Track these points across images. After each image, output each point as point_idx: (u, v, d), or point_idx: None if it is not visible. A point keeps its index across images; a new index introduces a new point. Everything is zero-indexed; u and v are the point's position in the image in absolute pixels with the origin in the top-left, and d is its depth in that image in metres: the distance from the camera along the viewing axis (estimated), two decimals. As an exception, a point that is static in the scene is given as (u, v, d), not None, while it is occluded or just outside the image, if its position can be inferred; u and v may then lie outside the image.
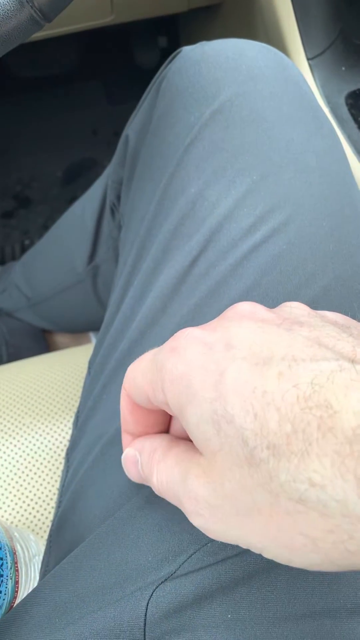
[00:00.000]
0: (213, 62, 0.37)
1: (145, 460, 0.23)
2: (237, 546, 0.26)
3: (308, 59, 0.55)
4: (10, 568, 0.30)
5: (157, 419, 0.25)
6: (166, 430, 0.26)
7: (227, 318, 0.21)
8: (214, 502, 0.18)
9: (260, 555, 0.26)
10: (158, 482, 0.22)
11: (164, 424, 0.26)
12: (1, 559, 0.29)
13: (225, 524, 0.18)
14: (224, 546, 0.26)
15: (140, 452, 0.24)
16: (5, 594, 0.29)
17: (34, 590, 0.30)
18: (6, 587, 0.29)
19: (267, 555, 0.18)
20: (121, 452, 0.32)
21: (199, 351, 0.19)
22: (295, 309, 0.22)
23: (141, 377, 0.22)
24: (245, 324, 0.20)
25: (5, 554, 0.30)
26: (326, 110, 0.54)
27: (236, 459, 0.17)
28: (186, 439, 0.24)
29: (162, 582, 0.26)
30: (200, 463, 0.19)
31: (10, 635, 0.28)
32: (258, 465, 0.16)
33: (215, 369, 0.18)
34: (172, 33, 1.09)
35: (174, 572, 0.26)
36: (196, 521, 0.20)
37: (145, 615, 0.25)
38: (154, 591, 0.26)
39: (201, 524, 0.19)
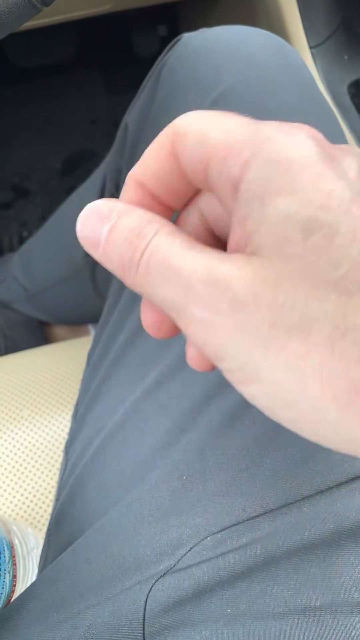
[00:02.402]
0: (214, 49, 0.37)
1: (129, 224, 0.16)
2: (236, 540, 0.26)
3: (310, 47, 0.55)
4: (8, 562, 0.30)
5: (182, 191, 0.18)
6: (174, 212, 0.20)
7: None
8: (249, 301, 0.14)
9: (260, 549, 0.26)
10: (149, 256, 0.16)
11: (180, 204, 0.19)
12: (-1, 552, 0.29)
13: (238, 331, 0.14)
14: (224, 540, 0.26)
15: (121, 214, 0.17)
16: (2, 588, 0.29)
17: (32, 584, 0.29)
18: (4, 581, 0.29)
19: (261, 390, 0.15)
20: (122, 445, 0.32)
21: (320, 152, 0.15)
22: None
23: (219, 134, 0.16)
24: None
25: (3, 547, 0.30)
26: (328, 99, 0.53)
27: (313, 276, 0.14)
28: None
29: (161, 576, 0.26)
30: (250, 260, 0.15)
31: (8, 630, 0.27)
32: (339, 294, 0.13)
33: (334, 180, 0.14)
34: (172, 21, 1.08)
35: (173, 566, 0.26)
36: (199, 313, 0.15)
37: (145, 609, 0.25)
38: (153, 585, 0.26)
39: (202, 318, 0.15)
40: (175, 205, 0.19)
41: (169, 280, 0.15)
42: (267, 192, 0.15)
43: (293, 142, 0.15)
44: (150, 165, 0.18)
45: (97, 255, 0.17)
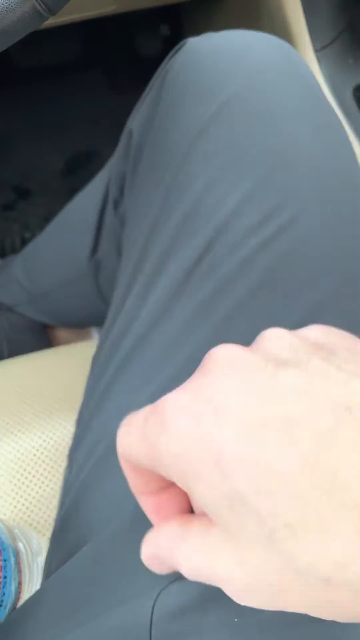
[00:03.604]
0: (219, 54, 0.36)
1: (165, 555, 0.21)
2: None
3: (315, 51, 0.54)
4: (14, 569, 0.30)
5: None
6: None
7: (206, 372, 0.19)
8: (249, 584, 0.17)
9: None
10: (188, 573, 0.20)
11: None
12: (4, 560, 0.29)
13: (269, 599, 0.17)
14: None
15: (157, 550, 0.21)
16: (8, 596, 0.29)
17: (38, 592, 0.29)
18: (10, 589, 0.29)
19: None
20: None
21: (188, 425, 0.18)
22: (275, 341, 0.20)
23: (135, 451, 0.20)
24: (227, 380, 0.18)
25: (9, 555, 0.30)
26: (333, 103, 0.53)
27: (258, 538, 0.16)
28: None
29: (168, 584, 0.26)
30: (224, 539, 0.18)
31: (15, 638, 0.27)
32: (279, 545, 0.16)
33: (211, 445, 0.17)
34: (175, 21, 1.08)
35: (180, 574, 0.26)
36: (241, 602, 0.18)
37: (152, 617, 0.25)
38: (160, 592, 0.26)
39: (247, 603, 0.18)
40: None
41: (210, 582, 0.19)
42: (189, 487, 0.18)
43: (168, 436, 0.18)
44: (137, 483, 0.22)
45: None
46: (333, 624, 0.24)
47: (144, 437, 0.19)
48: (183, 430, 0.18)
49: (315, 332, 0.20)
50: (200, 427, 0.17)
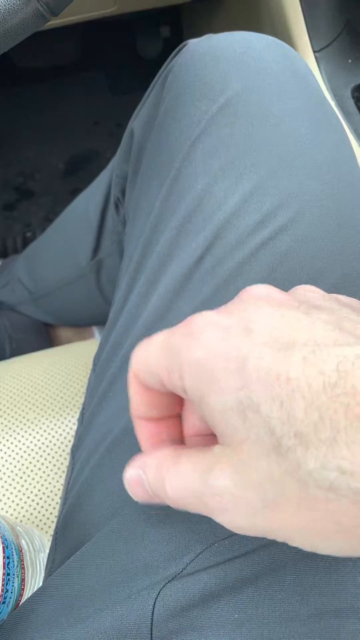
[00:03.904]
0: (220, 55, 0.37)
1: (152, 475, 0.22)
2: (243, 545, 0.26)
3: (314, 51, 0.55)
4: (17, 566, 0.30)
5: (172, 400, 0.24)
6: (179, 414, 0.25)
7: (242, 301, 0.20)
8: (239, 494, 0.18)
9: (267, 555, 0.26)
10: (173, 491, 0.21)
11: (180, 404, 0.24)
12: (7, 557, 0.29)
13: (252, 517, 0.18)
14: (231, 546, 0.26)
15: (144, 469, 0.22)
16: (12, 592, 0.29)
17: (40, 588, 0.30)
18: (13, 586, 0.29)
19: (293, 543, 0.18)
20: (128, 450, 0.32)
21: (217, 336, 0.19)
22: (310, 292, 0.21)
23: (154, 361, 0.21)
24: (262, 308, 0.19)
25: (12, 552, 0.30)
26: (332, 103, 0.53)
27: (263, 448, 0.17)
28: (197, 436, 0.24)
29: (169, 581, 0.26)
30: (223, 455, 0.18)
31: (17, 634, 0.28)
32: (285, 453, 0.16)
33: (237, 355, 0.18)
34: (175, 22, 1.08)
35: (181, 571, 0.26)
36: (222, 518, 0.19)
37: (152, 614, 0.26)
38: (161, 590, 0.26)
39: (227, 520, 0.19)
40: (178, 409, 0.24)
41: (193, 503, 0.20)
42: (203, 394, 0.19)
43: (196, 343, 0.19)
44: (139, 403, 0.23)
45: (159, 503, 0.22)
46: (331, 618, 0.24)
47: (167, 346, 0.20)
48: (211, 340, 0.19)
49: (346, 297, 0.22)
50: (228, 340, 0.18)
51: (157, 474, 0.21)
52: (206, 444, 0.21)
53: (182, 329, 0.20)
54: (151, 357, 0.21)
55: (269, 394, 0.17)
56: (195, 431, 0.24)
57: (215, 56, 0.37)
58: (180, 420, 0.25)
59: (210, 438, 0.23)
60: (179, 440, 0.24)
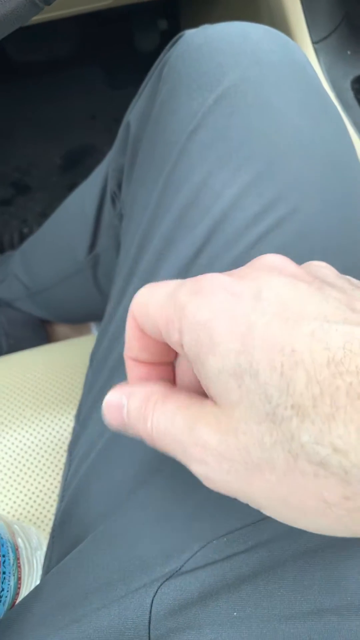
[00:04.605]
0: (216, 46, 0.36)
1: (135, 405, 0.21)
2: (242, 543, 0.26)
3: (313, 43, 0.54)
4: (13, 564, 0.30)
5: (168, 349, 0.23)
6: (172, 361, 0.24)
7: (254, 268, 0.20)
8: (224, 452, 0.18)
9: (266, 552, 0.25)
10: (154, 429, 0.20)
11: (173, 355, 0.24)
12: (3, 555, 0.29)
13: (230, 475, 0.18)
14: (229, 543, 0.26)
15: (128, 396, 0.22)
16: (7, 591, 0.29)
17: (37, 587, 0.29)
18: (9, 584, 0.29)
19: (268, 512, 0.18)
20: (125, 447, 0.32)
21: (226, 299, 0.18)
22: (323, 268, 0.21)
23: (156, 309, 0.20)
24: (275, 277, 0.19)
25: (8, 550, 0.30)
26: (332, 95, 0.53)
27: (256, 414, 0.17)
28: (189, 389, 0.23)
29: (167, 579, 0.26)
30: (213, 412, 0.18)
31: (13, 633, 0.27)
32: (280, 423, 0.16)
33: (243, 320, 0.18)
34: (172, 16, 1.07)
35: (179, 569, 0.26)
36: (198, 469, 0.19)
37: (150, 612, 0.25)
38: (158, 588, 0.26)
39: (203, 472, 0.19)
40: (172, 357, 0.24)
41: (173, 447, 0.20)
42: (200, 353, 0.18)
43: (203, 302, 0.19)
44: (133, 344, 0.23)
45: (130, 434, 0.22)
46: (330, 616, 0.24)
47: (172, 298, 0.20)
48: (219, 303, 0.18)
49: (356, 280, 0.22)
50: (236, 305, 0.18)
51: (142, 406, 0.21)
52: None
53: (191, 285, 0.20)
54: (153, 304, 0.20)
55: (270, 363, 0.16)
56: (186, 385, 0.23)
57: (212, 47, 0.36)
58: (174, 368, 0.24)
59: (202, 394, 0.23)
60: (171, 383, 0.23)
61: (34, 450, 0.44)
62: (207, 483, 0.19)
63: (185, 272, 0.33)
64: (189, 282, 0.20)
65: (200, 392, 0.22)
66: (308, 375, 0.16)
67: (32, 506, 0.42)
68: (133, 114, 0.43)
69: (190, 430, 0.19)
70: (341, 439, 0.15)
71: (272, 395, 0.16)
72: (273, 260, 0.20)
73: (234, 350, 0.17)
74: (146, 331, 0.22)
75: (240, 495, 0.18)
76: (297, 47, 0.38)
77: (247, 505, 0.27)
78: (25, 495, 0.42)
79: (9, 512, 0.42)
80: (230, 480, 0.18)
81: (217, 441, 0.18)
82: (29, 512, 0.42)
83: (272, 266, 0.20)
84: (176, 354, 0.24)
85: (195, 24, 0.39)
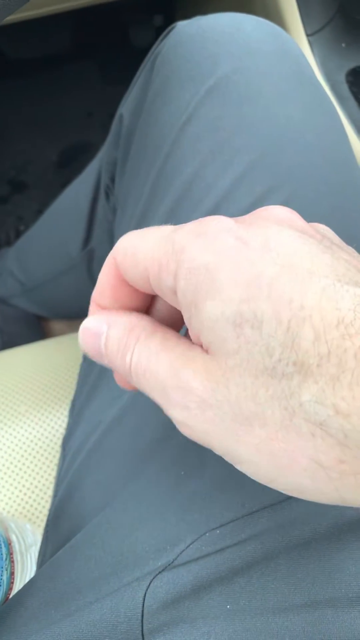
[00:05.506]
0: (209, 36, 0.36)
1: (116, 335, 0.19)
2: (235, 535, 0.26)
3: (307, 35, 0.54)
4: (5, 559, 0.30)
5: (143, 302, 0.21)
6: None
7: (262, 217, 0.19)
8: (209, 400, 0.17)
9: (259, 544, 0.25)
10: (134, 365, 0.19)
11: (146, 307, 0.22)
12: (-5, 550, 0.29)
13: (211, 425, 0.17)
14: (222, 535, 0.26)
15: (110, 325, 0.20)
16: (0, 586, 0.29)
17: (30, 581, 0.29)
18: (1, 579, 0.29)
19: (244, 468, 0.17)
20: (118, 441, 0.32)
21: (232, 244, 0.17)
22: (329, 232, 0.20)
23: (146, 253, 0.19)
24: (285, 229, 0.18)
25: (0, 545, 0.29)
26: (326, 87, 0.52)
27: (253, 366, 0.16)
28: None
29: (159, 572, 0.26)
30: (203, 358, 0.17)
31: (5, 628, 0.27)
32: (279, 379, 0.15)
33: (250, 268, 0.16)
34: (168, 11, 1.07)
35: (172, 562, 0.26)
36: (177, 414, 0.18)
37: (143, 606, 0.25)
38: (151, 581, 0.25)
39: (182, 418, 0.18)
40: (145, 305, 0.22)
41: (151, 386, 0.18)
42: (197, 298, 0.17)
43: (206, 245, 0.17)
44: (106, 292, 0.21)
45: (105, 364, 0.20)
46: (324, 608, 0.24)
47: (168, 240, 0.18)
48: (225, 247, 0.17)
49: None
50: (243, 251, 0.17)
51: (123, 338, 0.19)
52: None
53: (193, 226, 0.18)
54: (143, 248, 0.19)
55: (276, 315, 0.15)
56: None
57: (204, 37, 0.36)
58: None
59: None
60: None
61: (29, 447, 0.44)
62: (183, 430, 0.18)
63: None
64: (190, 223, 0.18)
65: None
66: (315, 333, 0.15)
67: (27, 502, 0.42)
68: (126, 107, 0.43)
69: (175, 372, 0.17)
70: (345, 400, 0.14)
71: (274, 349, 0.15)
72: (280, 212, 0.19)
73: (237, 298, 0.16)
74: (129, 279, 0.20)
75: (216, 445, 0.17)
76: (290, 38, 0.37)
77: (240, 497, 0.26)
78: (20, 491, 0.42)
79: (3, 509, 0.41)
80: (209, 430, 0.17)
81: (204, 388, 0.17)
82: (24, 508, 0.41)
83: (280, 218, 0.19)
84: (149, 306, 0.22)
85: (190, 18, 0.39)
